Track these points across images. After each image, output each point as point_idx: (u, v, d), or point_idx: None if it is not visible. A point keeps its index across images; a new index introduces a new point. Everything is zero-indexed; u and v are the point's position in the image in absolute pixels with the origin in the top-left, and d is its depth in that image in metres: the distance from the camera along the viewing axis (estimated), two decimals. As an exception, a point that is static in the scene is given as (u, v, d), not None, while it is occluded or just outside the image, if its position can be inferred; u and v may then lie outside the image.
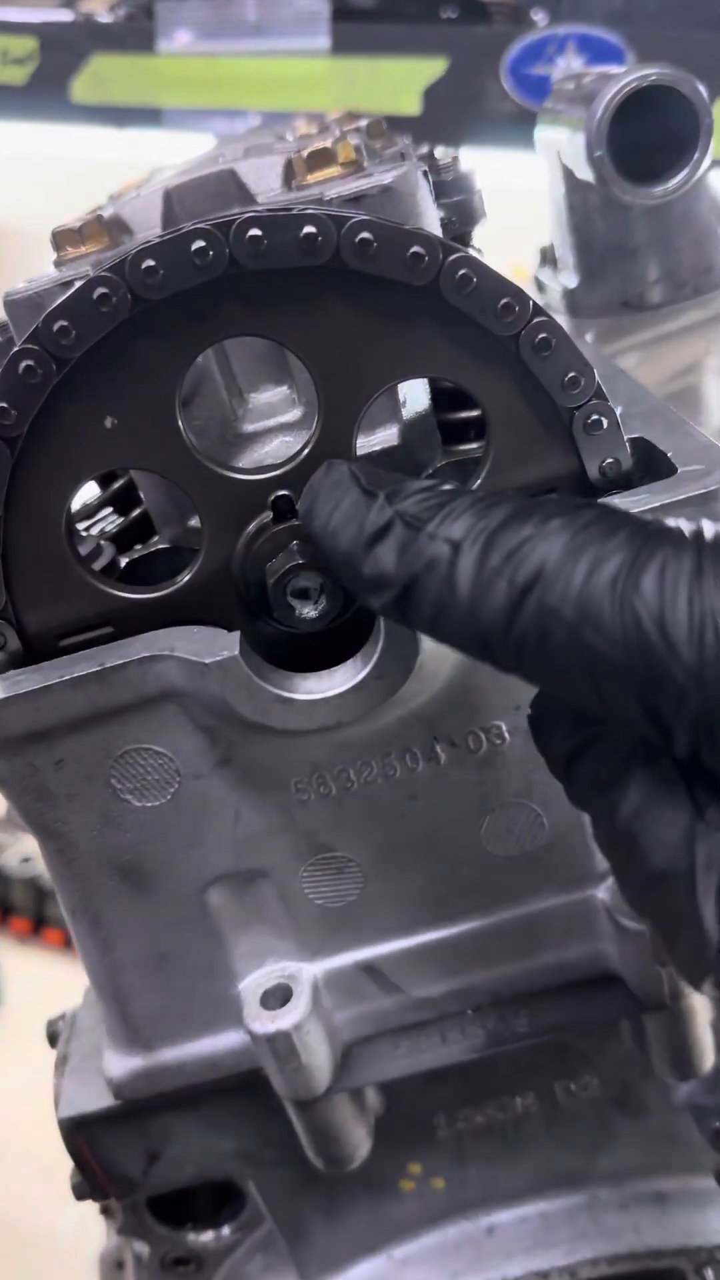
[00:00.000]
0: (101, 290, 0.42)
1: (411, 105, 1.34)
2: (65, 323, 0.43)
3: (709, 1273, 0.64)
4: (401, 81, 1.32)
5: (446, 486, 0.41)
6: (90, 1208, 1.46)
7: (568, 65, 1.20)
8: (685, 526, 0.36)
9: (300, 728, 0.47)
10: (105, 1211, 0.86)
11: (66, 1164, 1.53)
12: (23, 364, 0.43)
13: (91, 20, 1.49)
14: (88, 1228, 1.36)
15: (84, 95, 1.48)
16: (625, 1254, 0.63)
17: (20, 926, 1.83)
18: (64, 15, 1.51)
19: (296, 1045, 0.52)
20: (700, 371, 0.78)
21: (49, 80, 1.47)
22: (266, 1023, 0.52)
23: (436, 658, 0.47)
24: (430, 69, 1.32)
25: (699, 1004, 0.54)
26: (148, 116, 1.49)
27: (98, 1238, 1.05)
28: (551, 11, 1.27)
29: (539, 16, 1.27)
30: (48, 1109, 1.67)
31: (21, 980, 1.77)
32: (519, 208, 0.93)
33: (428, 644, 0.46)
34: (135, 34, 1.44)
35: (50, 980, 1.75)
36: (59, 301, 0.43)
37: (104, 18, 1.48)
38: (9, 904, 1.85)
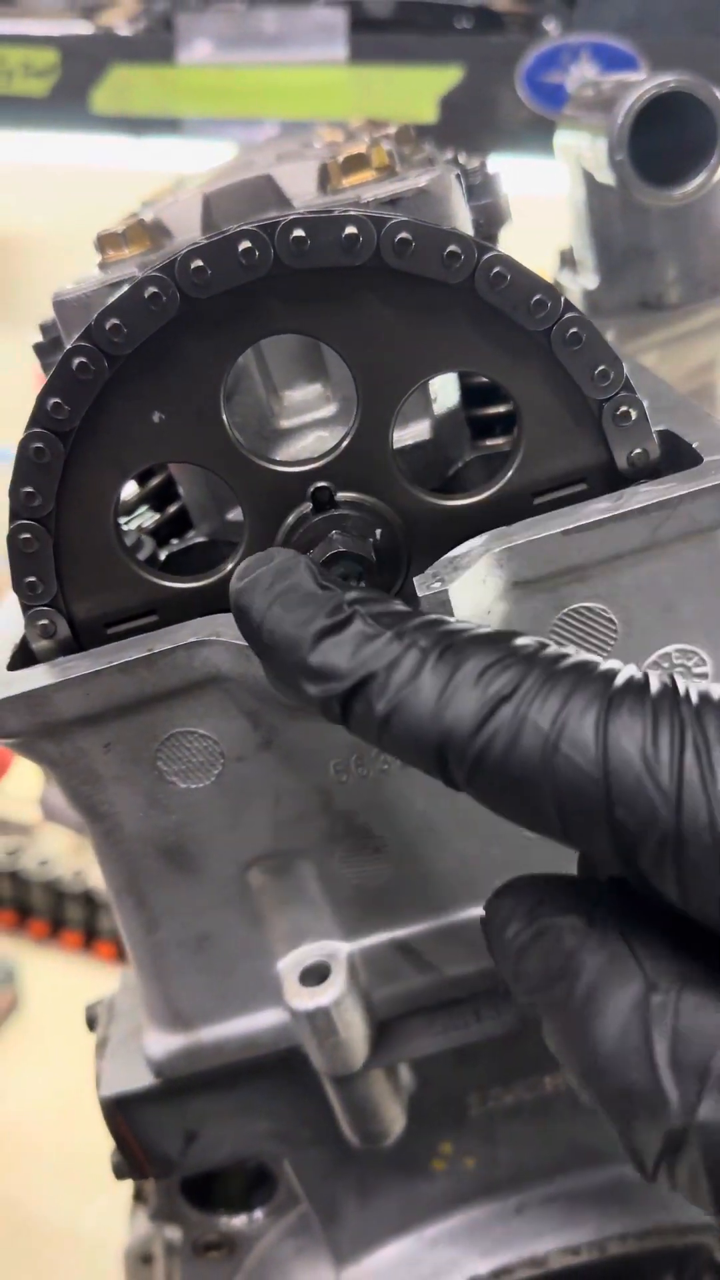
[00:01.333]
0: (152, 290, 0.44)
1: (428, 113, 1.36)
2: (117, 321, 0.45)
3: (734, 1248, 0.65)
4: (418, 90, 1.34)
5: (404, 608, 0.41)
6: (111, 1205, 1.48)
7: (581, 73, 1.22)
8: (654, 681, 0.36)
9: (341, 710, 0.48)
10: (138, 1197, 0.87)
11: (87, 1163, 1.55)
12: (76, 361, 0.45)
13: (111, 33, 1.51)
14: (109, 1225, 1.38)
15: (104, 106, 1.50)
16: (652, 1229, 0.64)
17: (39, 929, 1.84)
18: (84, 28, 1.53)
19: (335, 1021, 0.53)
20: (717, 370, 0.80)
21: (70, 91, 1.50)
22: (306, 1000, 0.53)
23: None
24: (446, 77, 1.34)
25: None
26: (167, 126, 1.51)
27: (119, 1235, 1.06)
28: (563, 21, 1.30)
29: (550, 26, 1.30)
30: (67, 1109, 1.70)
31: (40, 982, 1.79)
32: (536, 213, 0.95)
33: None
34: (155, 45, 1.47)
35: (68, 982, 1.76)
36: (112, 300, 0.45)
37: (123, 30, 1.51)
38: (28, 907, 1.86)
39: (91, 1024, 0.69)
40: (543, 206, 0.94)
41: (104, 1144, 1.48)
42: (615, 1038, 0.36)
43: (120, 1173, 0.67)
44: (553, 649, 0.38)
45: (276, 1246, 0.75)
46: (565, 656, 0.37)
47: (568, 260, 0.82)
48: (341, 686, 0.39)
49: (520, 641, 0.38)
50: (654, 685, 0.35)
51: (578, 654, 0.37)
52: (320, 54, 1.37)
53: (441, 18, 1.34)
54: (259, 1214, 0.75)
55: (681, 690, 0.35)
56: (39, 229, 2.23)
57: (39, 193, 2.18)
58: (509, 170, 1.20)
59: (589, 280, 0.77)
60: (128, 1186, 1.09)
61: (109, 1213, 1.39)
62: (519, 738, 0.35)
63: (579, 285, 0.78)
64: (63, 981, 1.78)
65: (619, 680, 0.36)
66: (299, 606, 0.41)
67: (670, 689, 0.35)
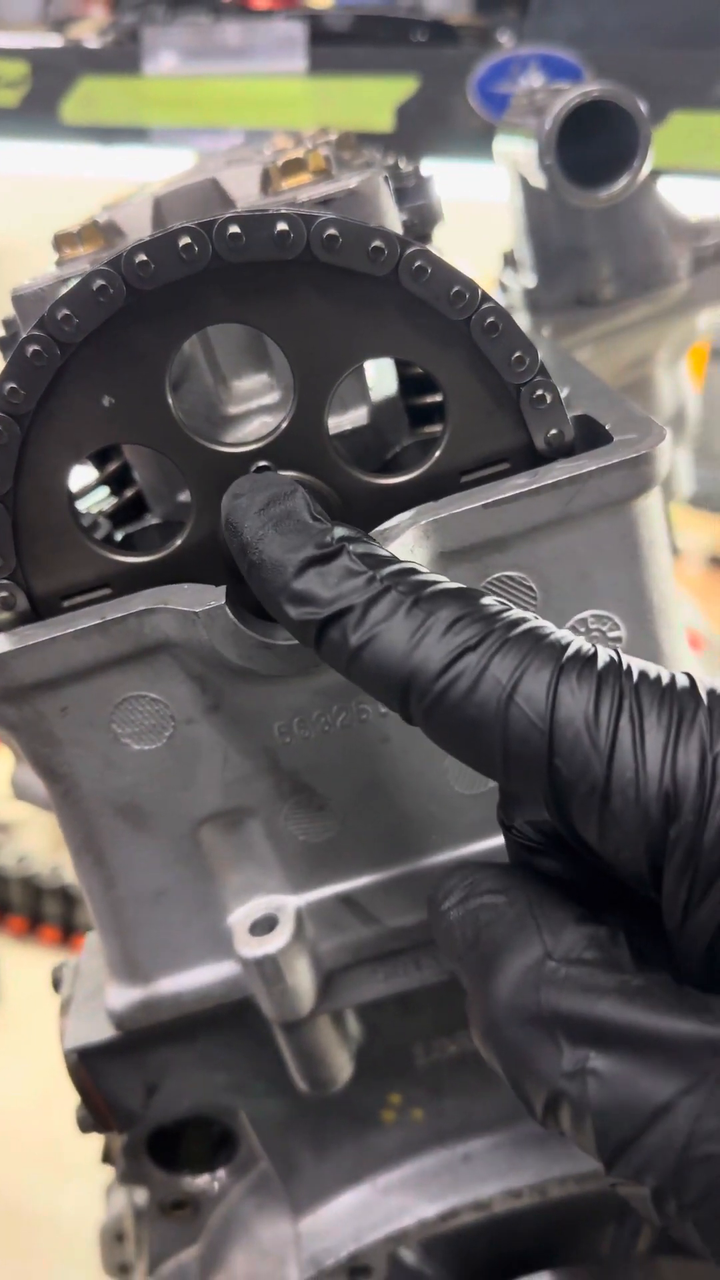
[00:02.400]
0: (100, 282, 0.48)
1: (385, 122, 1.40)
2: (68, 311, 0.48)
3: (669, 1190, 0.69)
4: (375, 100, 1.39)
5: (387, 553, 0.45)
6: (88, 1191, 1.50)
7: (530, 83, 1.27)
8: (601, 654, 0.40)
9: (280, 672, 0.52)
10: (106, 1159, 0.90)
11: (65, 1150, 1.58)
12: (30, 349, 0.49)
13: (80, 46, 1.55)
14: (86, 1210, 1.41)
15: (74, 116, 1.54)
16: (591, 1173, 0.68)
17: (17, 925, 1.86)
18: (54, 41, 1.57)
19: (282, 968, 0.57)
20: (651, 363, 0.84)
21: (40, 102, 1.54)
22: (255, 948, 0.57)
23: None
24: (402, 88, 1.39)
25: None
26: (135, 135, 1.55)
27: (96, 1219, 1.09)
28: (517, 32, 1.34)
29: (504, 38, 1.34)
30: (46, 1098, 1.73)
31: (19, 977, 1.81)
32: (486, 217, 0.99)
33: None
34: (122, 58, 1.51)
35: (46, 977, 1.79)
36: (63, 293, 0.48)
37: (92, 43, 1.55)
38: (6, 902, 1.88)
39: (57, 985, 0.72)
40: (492, 210, 0.99)
41: (80, 1134, 1.51)
42: (508, 996, 0.40)
43: (85, 1126, 0.70)
44: (514, 612, 0.42)
45: (238, 1204, 0.78)
46: (525, 620, 0.41)
47: (510, 260, 0.86)
48: (320, 614, 0.42)
49: (485, 601, 0.42)
50: (601, 658, 0.39)
51: (535, 619, 0.41)
52: (281, 65, 1.41)
53: (397, 31, 1.39)
54: (221, 1174, 0.78)
55: (624, 665, 0.39)
56: (9, 235, 2.26)
57: (9, 200, 2.22)
58: (461, 176, 1.25)
59: (528, 279, 0.81)
60: (104, 1172, 1.13)
61: (86, 1198, 1.42)
62: (478, 685, 0.39)
63: (520, 284, 0.82)
64: (41, 976, 1.80)
65: (571, 649, 0.40)
66: (291, 533, 0.45)
67: (615, 663, 0.39)
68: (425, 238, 0.67)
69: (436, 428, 0.64)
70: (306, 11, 1.48)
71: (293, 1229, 0.72)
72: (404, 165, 0.67)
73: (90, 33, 1.55)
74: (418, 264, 0.49)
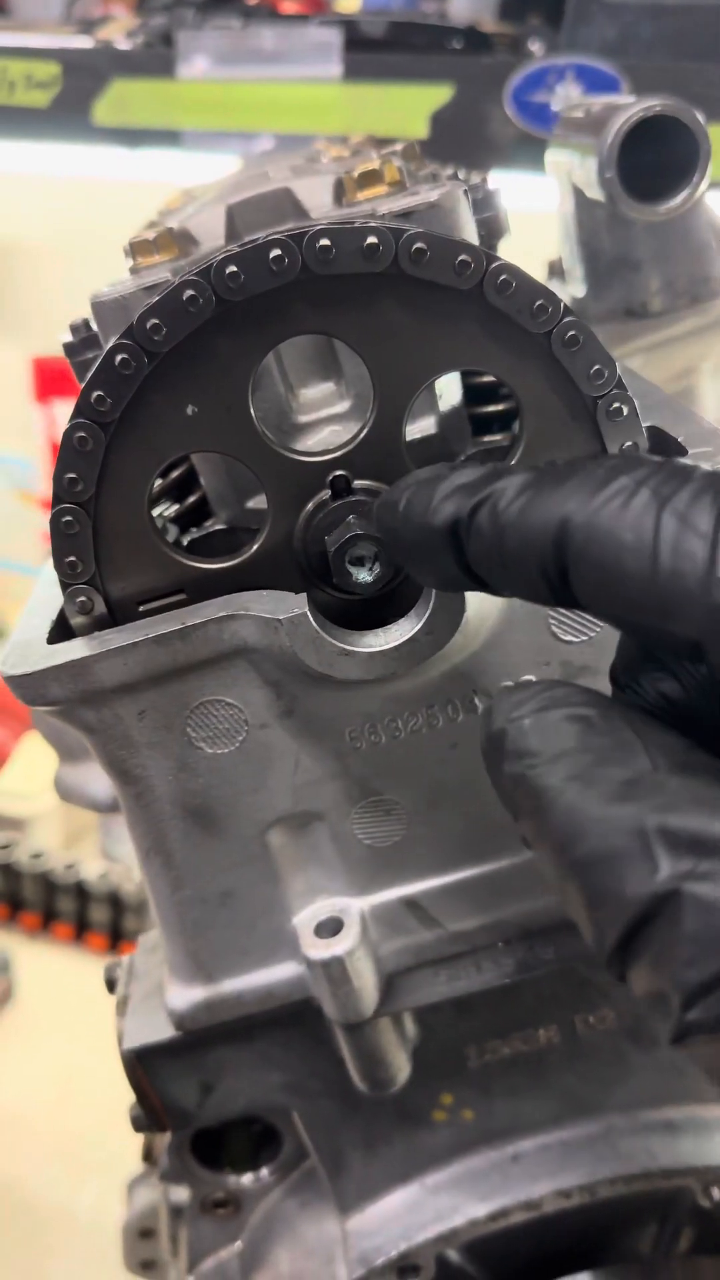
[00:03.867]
0: (190, 292, 0.48)
1: (419, 129, 1.41)
2: (157, 320, 0.49)
3: (715, 1191, 0.70)
4: (410, 107, 1.39)
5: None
6: (105, 1186, 1.51)
7: (566, 93, 1.28)
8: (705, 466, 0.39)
9: (359, 678, 0.53)
10: (147, 1158, 0.91)
11: (82, 1146, 1.59)
12: (118, 357, 0.49)
13: (111, 47, 1.55)
14: (104, 1205, 1.41)
15: (105, 118, 1.55)
16: (639, 1174, 0.69)
17: (30, 922, 1.87)
18: (84, 42, 1.58)
19: (348, 970, 0.57)
20: (698, 374, 0.85)
21: (71, 103, 1.54)
22: (322, 950, 0.57)
23: (479, 617, 0.53)
24: (437, 95, 1.39)
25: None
26: (166, 138, 1.56)
27: (113, 1214, 1.10)
28: (548, 42, 1.35)
29: (535, 46, 1.35)
30: (62, 1093, 1.74)
31: (33, 973, 1.82)
32: (521, 226, 1.00)
33: (472, 604, 0.52)
34: (155, 60, 1.51)
35: (60, 973, 1.80)
36: (153, 302, 0.49)
37: (122, 44, 1.55)
38: (19, 899, 1.89)
39: (111, 985, 0.72)
40: (528, 220, 1.00)
41: (98, 1127, 1.53)
42: (601, 805, 0.36)
43: (139, 1125, 0.71)
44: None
45: (281, 1203, 0.79)
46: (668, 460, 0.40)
47: (556, 270, 0.87)
48: (473, 498, 0.42)
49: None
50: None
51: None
52: (316, 71, 1.42)
53: (433, 38, 1.40)
54: (265, 1173, 0.79)
55: None
56: (39, 237, 2.27)
57: (40, 202, 2.22)
58: (500, 185, 1.25)
59: (577, 289, 0.82)
60: (121, 1168, 1.13)
61: (103, 1193, 1.43)
62: (630, 503, 0.37)
63: (568, 294, 0.83)
64: (55, 972, 1.81)
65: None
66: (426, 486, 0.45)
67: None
68: (492, 249, 0.68)
69: (497, 437, 0.65)
70: (341, 17, 1.49)
71: (340, 1227, 0.73)
72: (467, 177, 0.67)
73: (119, 34, 1.55)
74: (502, 278, 0.50)
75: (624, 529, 0.37)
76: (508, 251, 0.91)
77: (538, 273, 0.93)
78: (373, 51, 1.42)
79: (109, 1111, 1.52)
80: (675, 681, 0.42)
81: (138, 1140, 0.94)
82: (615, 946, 0.35)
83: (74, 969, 1.82)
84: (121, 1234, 1.08)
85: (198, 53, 1.45)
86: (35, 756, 1.97)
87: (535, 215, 0.96)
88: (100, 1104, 1.48)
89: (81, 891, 1.84)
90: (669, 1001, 0.33)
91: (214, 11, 1.52)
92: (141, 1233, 1.08)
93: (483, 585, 0.44)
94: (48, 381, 2.52)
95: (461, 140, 1.37)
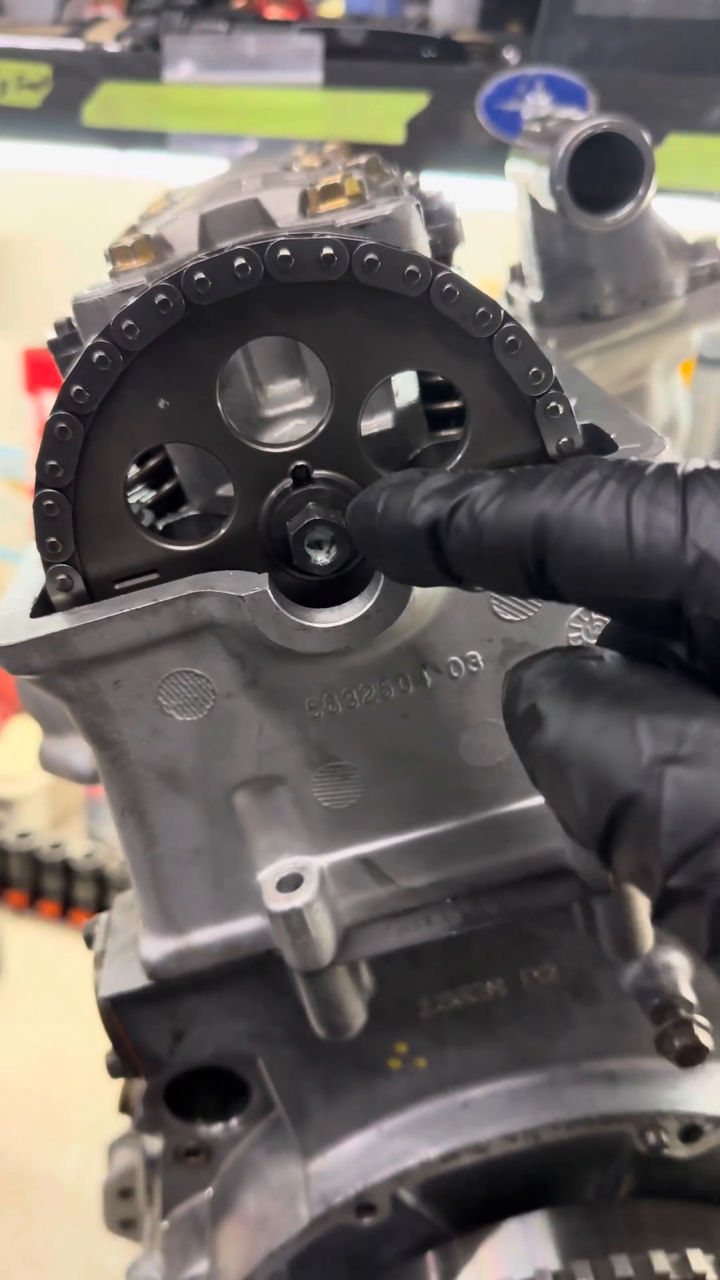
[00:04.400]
0: (162, 297, 0.53)
1: (395, 135, 1.46)
2: (131, 322, 0.53)
3: (650, 1135, 0.75)
4: (386, 113, 1.44)
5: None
6: (87, 1152, 1.56)
7: (535, 103, 1.33)
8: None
9: (316, 651, 0.57)
10: (123, 1109, 0.96)
11: (66, 1113, 1.64)
12: (96, 355, 0.54)
13: (100, 49, 1.59)
14: (86, 1170, 1.47)
15: (94, 119, 1.59)
16: (580, 1119, 0.74)
17: (17, 899, 1.92)
18: (74, 44, 1.62)
19: (306, 921, 0.62)
20: (649, 374, 0.90)
21: (61, 104, 1.58)
22: (282, 902, 0.62)
23: (426, 597, 0.58)
24: (413, 102, 1.44)
25: (636, 891, 0.65)
26: (153, 140, 1.60)
27: (95, 1178, 1.15)
28: (523, 50, 1.40)
29: (511, 55, 1.40)
30: (48, 1064, 1.79)
31: (19, 950, 1.86)
32: (491, 229, 1.05)
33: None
34: (142, 64, 1.55)
35: (46, 949, 1.85)
36: (128, 305, 0.53)
37: (111, 47, 1.59)
38: (7, 877, 1.93)
39: (89, 941, 0.77)
40: (500, 222, 1.04)
41: (81, 1096, 1.59)
42: (595, 713, 0.39)
43: (115, 1071, 0.76)
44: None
45: (250, 1151, 0.84)
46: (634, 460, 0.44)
47: (517, 275, 0.91)
48: (450, 501, 0.46)
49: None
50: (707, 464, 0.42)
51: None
52: (297, 77, 1.47)
53: (409, 47, 1.44)
54: (234, 1123, 0.84)
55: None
56: (31, 233, 2.32)
57: (30, 200, 2.26)
58: (469, 190, 1.30)
59: (535, 293, 0.87)
60: (103, 1134, 1.19)
61: (86, 1160, 1.48)
62: (599, 495, 0.42)
63: (526, 297, 0.88)
64: (41, 948, 1.86)
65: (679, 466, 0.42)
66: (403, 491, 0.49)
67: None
68: (447, 258, 0.72)
69: (453, 432, 0.70)
70: (322, 24, 1.53)
71: (302, 1171, 0.78)
72: (425, 189, 0.72)
73: (108, 36, 1.59)
74: (447, 287, 0.54)
75: (598, 516, 0.41)
76: (481, 251, 0.96)
77: (504, 274, 0.98)
78: (352, 59, 1.46)
79: (92, 1081, 1.57)
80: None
81: (117, 1109, 0.99)
82: (604, 829, 0.38)
83: (59, 945, 1.87)
84: (102, 1194, 1.13)
85: (183, 57, 1.49)
86: (22, 740, 2.01)
87: (507, 217, 1.01)
88: (83, 1074, 1.54)
89: (67, 870, 1.89)
90: (652, 875, 0.36)
91: (201, 16, 1.57)
92: (121, 1192, 1.13)
93: (455, 581, 0.48)
94: (38, 373, 2.56)
95: (436, 146, 1.42)
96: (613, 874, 0.40)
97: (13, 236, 2.37)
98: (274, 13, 1.63)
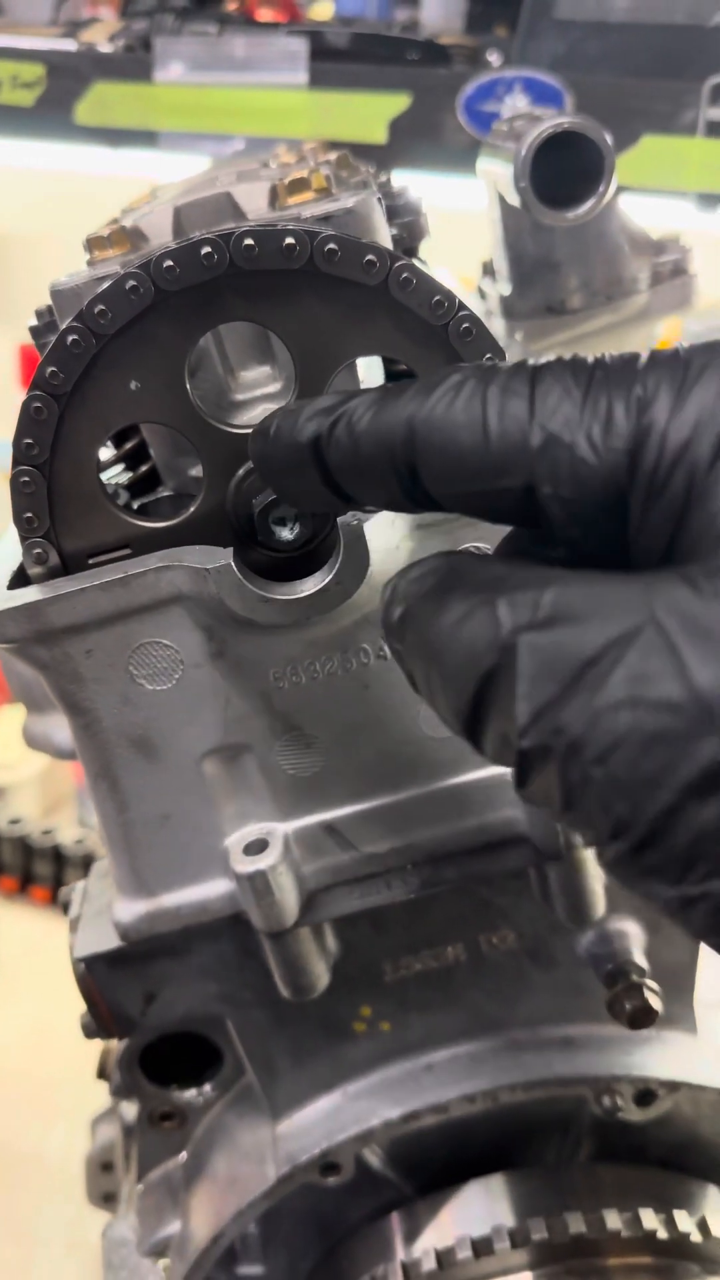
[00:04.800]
0: (132, 282, 0.56)
1: (379, 135, 1.49)
2: (104, 306, 0.56)
3: (605, 1099, 0.78)
4: (370, 114, 1.47)
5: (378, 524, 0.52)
6: (72, 1130, 1.59)
7: (514, 103, 1.36)
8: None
9: (278, 622, 0.60)
10: (101, 1075, 0.98)
11: (53, 1093, 1.66)
12: (70, 338, 0.57)
13: (93, 50, 1.63)
14: (71, 1148, 1.49)
15: (87, 118, 1.62)
16: (537, 1081, 0.77)
17: (9, 884, 1.95)
18: (68, 45, 1.65)
19: (271, 883, 0.65)
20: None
21: (55, 103, 1.62)
22: (248, 865, 0.65)
23: (383, 572, 0.61)
24: (396, 103, 1.47)
25: (588, 857, 0.68)
26: (144, 139, 1.64)
27: (78, 1157, 1.18)
28: (505, 53, 1.43)
29: (493, 57, 1.43)
30: (34, 1046, 1.82)
31: (9, 934, 1.90)
32: (470, 227, 1.08)
33: (376, 560, 0.60)
34: (134, 64, 1.59)
35: (36, 934, 1.88)
36: (99, 291, 0.56)
37: (104, 48, 1.62)
38: (-1, 863, 1.97)
39: (66, 907, 0.80)
40: (476, 220, 1.07)
41: (67, 1076, 1.61)
42: (461, 601, 0.40)
43: (89, 1032, 0.78)
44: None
45: (222, 1115, 0.86)
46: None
47: (489, 269, 0.94)
48: (329, 419, 0.48)
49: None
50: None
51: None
52: (283, 78, 1.50)
53: (393, 50, 1.48)
54: (207, 1088, 0.87)
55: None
56: (25, 229, 2.35)
57: (24, 197, 2.30)
58: (448, 188, 1.33)
59: (504, 288, 0.90)
60: (87, 1114, 1.21)
61: (71, 1139, 1.51)
62: (458, 397, 0.44)
63: (496, 291, 0.91)
64: (31, 932, 1.89)
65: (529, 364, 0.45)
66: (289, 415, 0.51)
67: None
68: (412, 251, 0.75)
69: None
70: (308, 27, 1.57)
71: (271, 1133, 0.81)
72: (392, 185, 0.75)
73: (101, 37, 1.63)
74: (404, 275, 0.57)
75: (457, 413, 0.43)
76: (458, 248, 0.99)
77: (477, 271, 1.01)
78: (336, 61, 1.50)
79: (77, 1062, 1.60)
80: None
81: (103, 1088, 1.02)
82: (469, 710, 0.39)
83: (49, 929, 1.90)
84: (85, 1167, 1.16)
85: (174, 58, 1.52)
86: (14, 728, 2.04)
87: (481, 217, 1.04)
88: (69, 1055, 1.56)
89: (58, 856, 1.92)
90: (510, 743, 0.37)
91: (193, 18, 1.60)
92: (103, 1166, 1.16)
93: (345, 499, 0.49)
94: (33, 368, 2.58)
95: (417, 146, 1.45)
96: (484, 755, 0.40)
97: (6, 232, 2.41)
98: (265, 15, 1.67)
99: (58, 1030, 1.70)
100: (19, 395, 0.58)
